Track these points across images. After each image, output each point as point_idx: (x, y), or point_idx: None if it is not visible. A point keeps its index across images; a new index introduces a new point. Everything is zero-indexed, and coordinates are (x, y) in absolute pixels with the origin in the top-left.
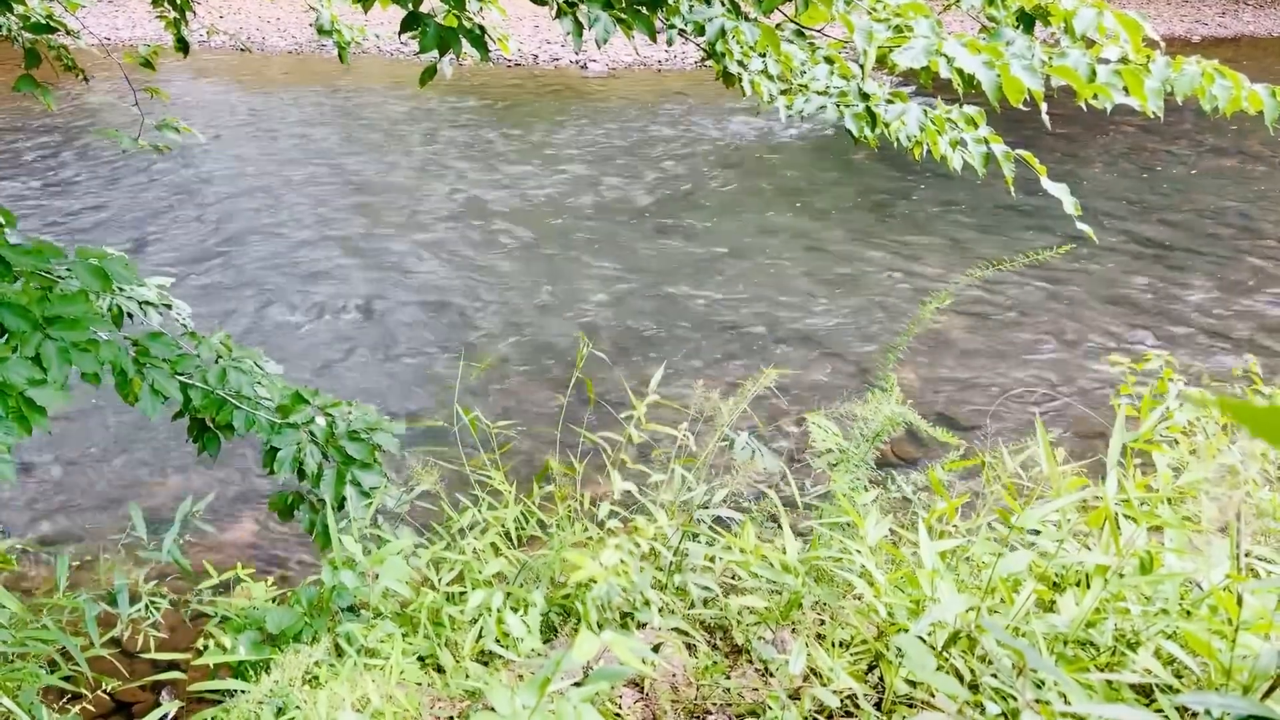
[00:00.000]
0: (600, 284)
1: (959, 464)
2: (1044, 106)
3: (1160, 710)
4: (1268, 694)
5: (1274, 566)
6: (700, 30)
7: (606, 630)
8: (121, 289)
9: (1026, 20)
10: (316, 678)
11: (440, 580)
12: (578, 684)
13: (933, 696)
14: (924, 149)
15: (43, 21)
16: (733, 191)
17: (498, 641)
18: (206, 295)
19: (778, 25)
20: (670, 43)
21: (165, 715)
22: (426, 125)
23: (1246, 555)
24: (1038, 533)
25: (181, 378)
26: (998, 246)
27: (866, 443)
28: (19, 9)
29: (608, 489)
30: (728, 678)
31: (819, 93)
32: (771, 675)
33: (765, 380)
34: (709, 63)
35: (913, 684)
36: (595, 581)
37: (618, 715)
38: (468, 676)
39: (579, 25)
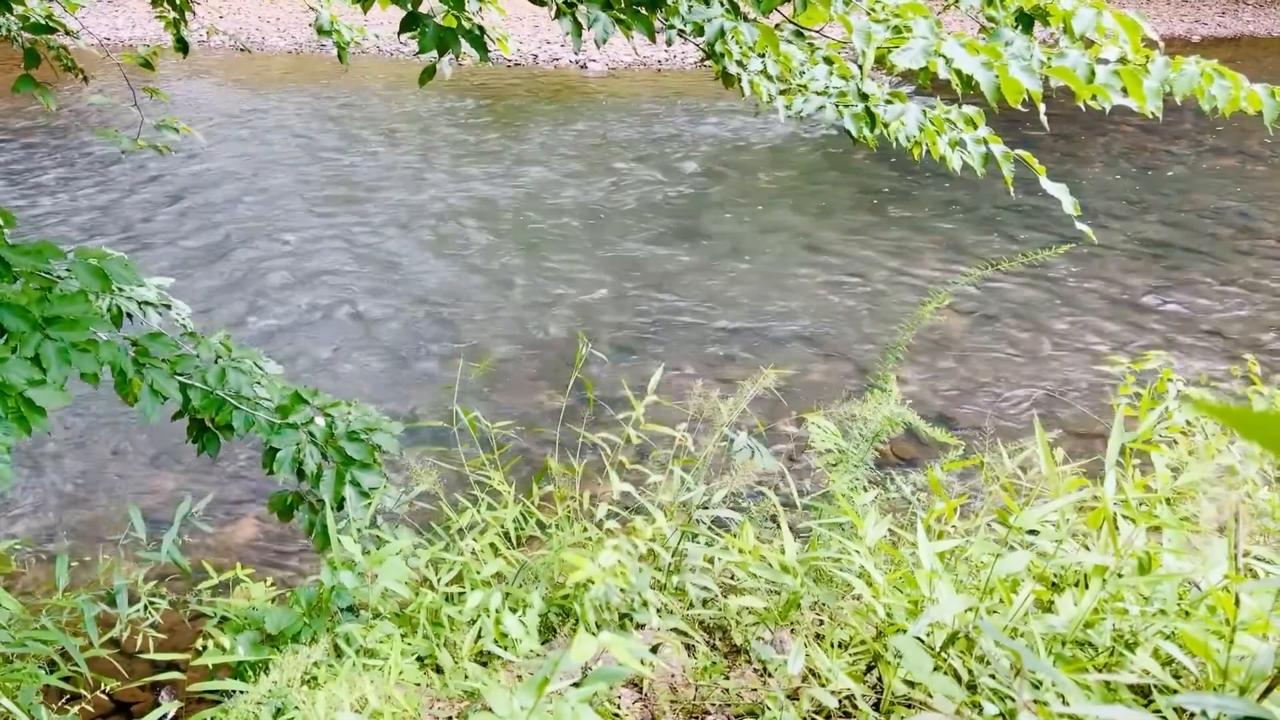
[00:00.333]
0: (600, 284)
1: (958, 464)
2: (1042, 107)
3: (1158, 711)
4: (1265, 694)
5: (1272, 567)
6: (699, 30)
7: (605, 631)
8: (121, 289)
9: (1025, 20)
10: (315, 678)
11: (439, 581)
12: (576, 684)
13: (931, 697)
14: (923, 149)
15: (42, 22)
16: (732, 191)
17: (496, 642)
18: (206, 295)
19: (776, 25)
20: (669, 43)
21: (164, 715)
22: (426, 125)
23: (1244, 555)
24: (1036, 533)
25: (181, 378)
26: (997, 246)
27: (865, 443)
28: (18, 9)
29: (607, 489)
30: (726, 678)
31: (818, 93)
32: (770, 675)
33: (764, 380)
34: (708, 63)
35: (911, 684)
36: (593, 582)
37: (616, 716)
38: (466, 677)
39: (578, 25)
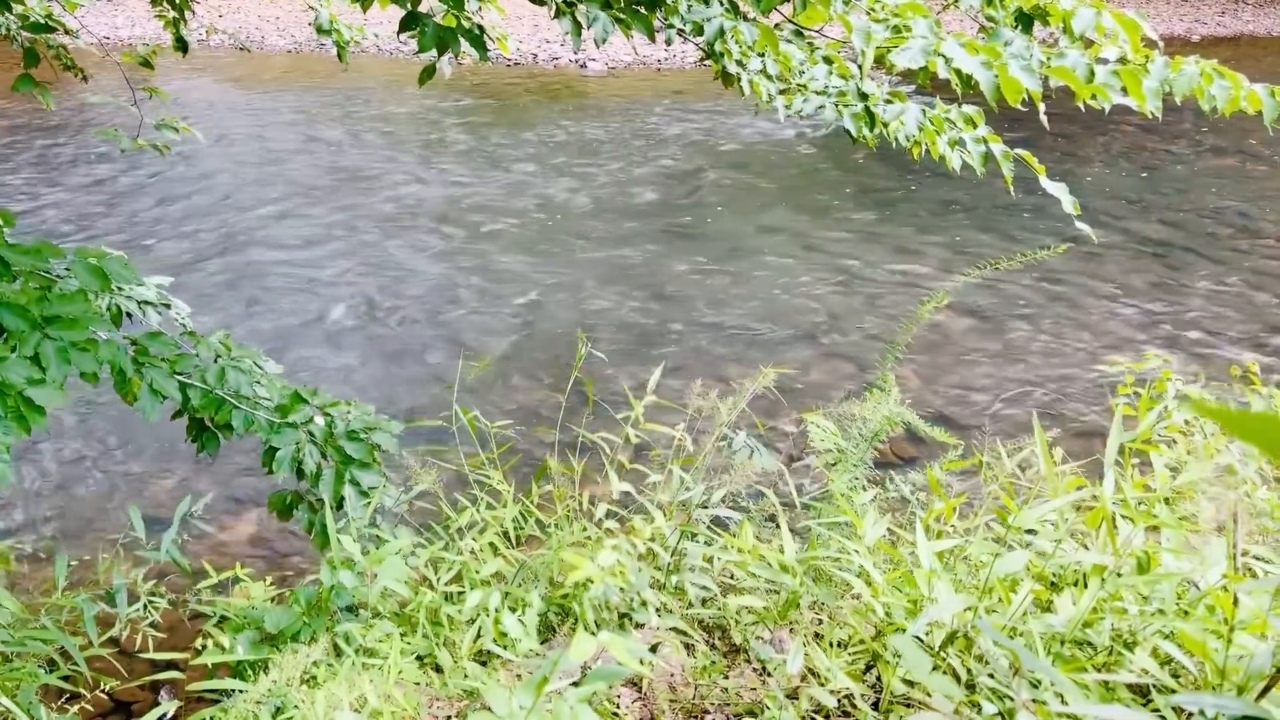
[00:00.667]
0: (599, 283)
1: (957, 464)
2: (1042, 107)
3: (1157, 710)
4: (1263, 694)
5: (1271, 566)
6: (699, 30)
7: (604, 630)
8: (120, 289)
9: (1025, 20)
10: (314, 677)
11: (438, 580)
12: (575, 684)
13: (930, 696)
14: (923, 149)
15: (41, 21)
16: (731, 191)
17: (495, 641)
18: (205, 295)
19: (776, 25)
20: (669, 42)
21: (164, 715)
22: (425, 124)
23: (1243, 555)
24: (1035, 533)
25: (180, 377)
26: (997, 246)
27: (865, 442)
28: (18, 8)
29: (606, 489)
30: (725, 677)
31: (817, 92)
32: (769, 675)
33: (764, 379)
34: (708, 63)
35: (910, 684)
36: (592, 582)
37: (615, 715)
38: (466, 676)
39: (578, 25)
